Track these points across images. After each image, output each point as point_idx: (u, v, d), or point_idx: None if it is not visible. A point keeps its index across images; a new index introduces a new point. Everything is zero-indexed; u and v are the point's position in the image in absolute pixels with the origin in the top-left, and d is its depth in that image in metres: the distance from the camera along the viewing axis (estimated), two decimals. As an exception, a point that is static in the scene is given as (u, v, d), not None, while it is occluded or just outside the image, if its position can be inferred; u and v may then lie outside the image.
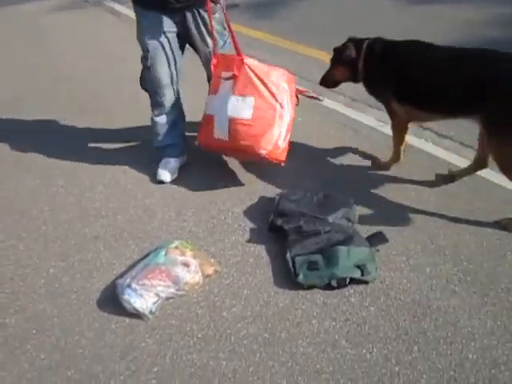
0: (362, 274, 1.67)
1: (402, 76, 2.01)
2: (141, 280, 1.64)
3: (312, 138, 2.61)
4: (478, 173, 2.14)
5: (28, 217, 2.20)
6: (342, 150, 2.50)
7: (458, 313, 1.57)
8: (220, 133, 2.10)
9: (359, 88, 2.30)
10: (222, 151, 2.32)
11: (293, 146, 2.22)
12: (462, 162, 2.27)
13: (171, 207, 2.18)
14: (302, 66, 3.51)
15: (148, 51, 2.13)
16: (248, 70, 2.05)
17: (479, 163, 2.09)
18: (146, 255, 1.87)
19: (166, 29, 2.12)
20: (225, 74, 2.10)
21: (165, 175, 2.32)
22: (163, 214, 2.14)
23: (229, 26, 2.15)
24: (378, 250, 1.81)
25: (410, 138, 2.40)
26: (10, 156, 2.70)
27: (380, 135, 2.61)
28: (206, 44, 2.22)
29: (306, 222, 1.88)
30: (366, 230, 1.91)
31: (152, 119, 2.33)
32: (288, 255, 1.77)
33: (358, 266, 1.68)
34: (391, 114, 2.17)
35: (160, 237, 2.00)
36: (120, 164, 2.53)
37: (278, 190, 2.17)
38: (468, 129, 2.17)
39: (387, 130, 2.43)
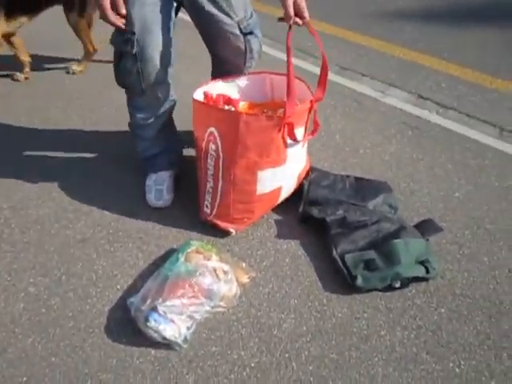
0: (427, 271, 1.44)
1: None
2: (168, 300, 1.28)
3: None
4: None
5: (-19, 217, 1.71)
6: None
7: (534, 308, 1.41)
8: (284, 195, 1.67)
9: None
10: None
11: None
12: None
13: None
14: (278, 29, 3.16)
15: (133, 33, 1.43)
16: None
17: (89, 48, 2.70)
18: (157, 262, 1.50)
19: None
20: (299, 132, 1.54)
21: (160, 200, 1.73)
22: (162, 207, 1.75)
23: None
24: (427, 240, 1.59)
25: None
26: None
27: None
28: (229, 13, 1.54)
29: (347, 211, 1.61)
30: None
31: (134, 124, 1.70)
32: (335, 253, 1.49)
33: (421, 262, 1.45)
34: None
35: (167, 237, 1.63)
36: (96, 144, 2.07)
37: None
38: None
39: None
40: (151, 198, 1.74)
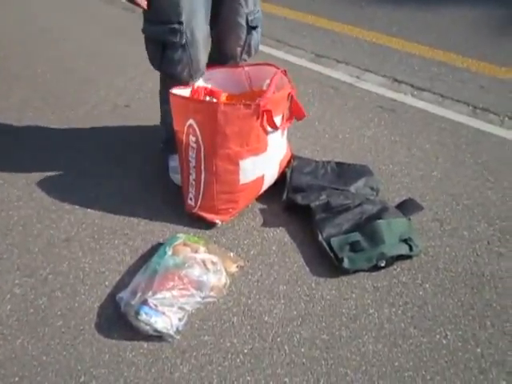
0: (411, 249, 1.48)
1: None
2: (158, 292, 1.28)
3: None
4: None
5: (-40, 222, 1.67)
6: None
7: (513, 276, 1.46)
8: (267, 184, 1.68)
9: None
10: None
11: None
12: None
13: (155, 193, 1.78)
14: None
15: (181, 22, 1.44)
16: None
17: None
18: (145, 257, 1.50)
19: None
20: (277, 120, 1.53)
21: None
22: (146, 202, 1.75)
23: None
24: (409, 219, 1.62)
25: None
26: None
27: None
28: (242, 3, 1.56)
29: (330, 196, 1.63)
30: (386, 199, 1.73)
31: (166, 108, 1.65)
32: (320, 237, 1.51)
33: (405, 240, 1.48)
34: None
35: (153, 231, 1.62)
36: (73, 142, 2.04)
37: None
38: None
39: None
40: (178, 178, 1.69)
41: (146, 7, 1.45)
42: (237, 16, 1.58)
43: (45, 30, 3.16)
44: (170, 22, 1.44)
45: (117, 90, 2.46)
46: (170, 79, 1.59)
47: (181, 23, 1.44)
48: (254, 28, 1.62)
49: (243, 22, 1.59)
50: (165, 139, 1.81)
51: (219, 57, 1.71)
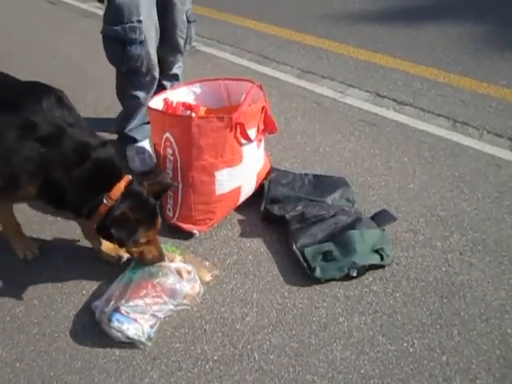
0: (382, 259, 1.51)
1: None
2: (131, 300, 1.31)
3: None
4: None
5: None
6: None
7: (483, 286, 1.49)
8: (245, 195, 1.72)
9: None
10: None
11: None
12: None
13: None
14: (240, 36, 3.30)
15: (140, 21, 1.63)
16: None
17: None
18: (123, 267, 1.53)
19: None
20: (252, 132, 1.59)
21: (146, 166, 1.93)
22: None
23: None
24: (384, 230, 1.66)
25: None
26: None
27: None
28: (182, 2, 1.82)
29: (306, 207, 1.67)
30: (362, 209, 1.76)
31: (131, 100, 1.86)
32: (295, 247, 1.54)
33: (376, 251, 1.51)
34: None
35: (132, 241, 1.66)
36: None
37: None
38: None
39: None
40: (137, 165, 1.92)
41: None
42: (180, 13, 1.81)
43: (33, 48, 3.24)
44: (131, 21, 1.62)
45: (104, 106, 2.52)
46: (129, 75, 1.77)
47: (140, 22, 1.63)
48: (191, 22, 1.88)
49: (184, 18, 1.83)
50: (119, 131, 1.98)
51: (165, 50, 1.88)
